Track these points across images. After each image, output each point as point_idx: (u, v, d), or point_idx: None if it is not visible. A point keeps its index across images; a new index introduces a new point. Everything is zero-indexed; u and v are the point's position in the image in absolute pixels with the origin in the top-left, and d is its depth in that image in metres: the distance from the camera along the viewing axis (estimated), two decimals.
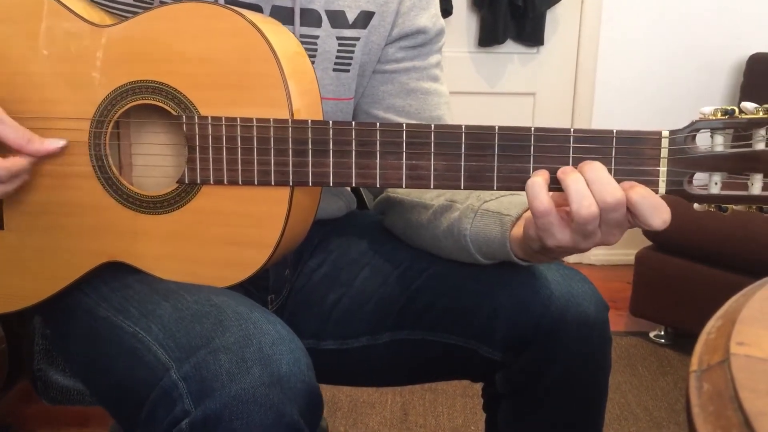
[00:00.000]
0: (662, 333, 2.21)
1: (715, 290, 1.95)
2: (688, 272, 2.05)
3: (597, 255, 2.91)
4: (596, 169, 0.67)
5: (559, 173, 0.69)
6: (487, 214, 0.80)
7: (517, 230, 0.77)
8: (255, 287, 0.91)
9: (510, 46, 2.78)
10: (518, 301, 0.86)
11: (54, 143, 0.77)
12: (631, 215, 0.67)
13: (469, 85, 2.82)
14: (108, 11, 0.82)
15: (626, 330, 2.29)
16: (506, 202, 0.80)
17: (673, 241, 2.07)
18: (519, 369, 0.88)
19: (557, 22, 2.79)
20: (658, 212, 0.66)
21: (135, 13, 0.78)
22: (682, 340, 2.19)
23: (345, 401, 1.84)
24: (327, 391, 1.85)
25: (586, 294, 0.86)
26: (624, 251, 2.74)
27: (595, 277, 0.96)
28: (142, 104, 0.77)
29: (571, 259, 2.84)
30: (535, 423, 0.91)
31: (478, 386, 1.00)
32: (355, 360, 0.94)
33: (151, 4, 0.81)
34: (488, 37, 2.72)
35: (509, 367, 0.89)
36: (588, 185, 0.67)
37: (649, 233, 2.11)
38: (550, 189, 0.69)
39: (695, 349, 0.53)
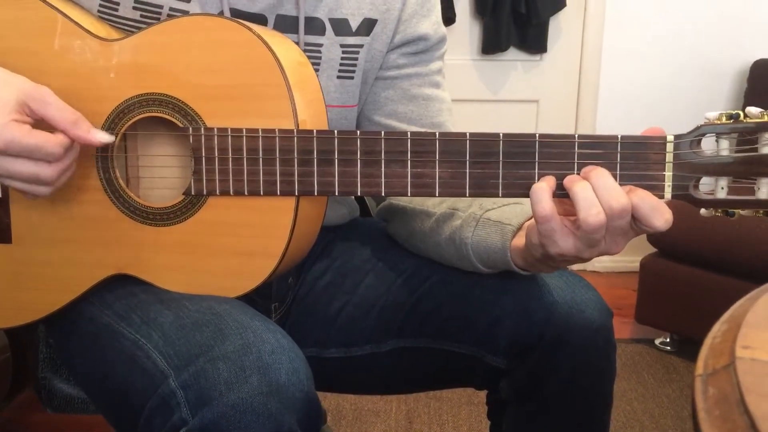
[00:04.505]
0: (668, 340, 2.20)
1: (720, 297, 1.94)
2: (694, 279, 2.04)
3: (602, 262, 2.90)
4: (602, 176, 0.67)
5: (566, 181, 0.69)
6: (488, 223, 0.80)
7: (519, 240, 0.76)
8: (259, 296, 0.91)
9: (513, 53, 2.79)
10: (522, 308, 0.85)
11: (101, 136, 0.74)
12: (633, 220, 0.67)
13: (472, 93, 2.82)
14: (114, 26, 0.83)
15: (631, 337, 2.28)
16: (508, 212, 0.80)
17: (678, 248, 2.07)
18: (523, 376, 0.88)
19: (560, 30, 2.79)
20: (659, 213, 0.66)
21: (141, 29, 0.78)
22: (688, 346, 2.18)
23: (349, 409, 1.83)
24: (331, 399, 1.84)
25: (590, 301, 0.86)
26: (629, 258, 2.73)
27: (599, 285, 0.96)
28: (149, 117, 0.77)
29: (575, 266, 2.83)
30: (539, 430, 0.90)
31: (483, 394, 0.99)
32: (359, 368, 0.94)
33: (158, 19, 0.81)
34: (491, 45, 2.73)
35: (513, 374, 0.89)
36: (594, 192, 0.67)
37: (654, 239, 2.10)
38: (556, 195, 0.69)
39: (700, 354, 0.53)
